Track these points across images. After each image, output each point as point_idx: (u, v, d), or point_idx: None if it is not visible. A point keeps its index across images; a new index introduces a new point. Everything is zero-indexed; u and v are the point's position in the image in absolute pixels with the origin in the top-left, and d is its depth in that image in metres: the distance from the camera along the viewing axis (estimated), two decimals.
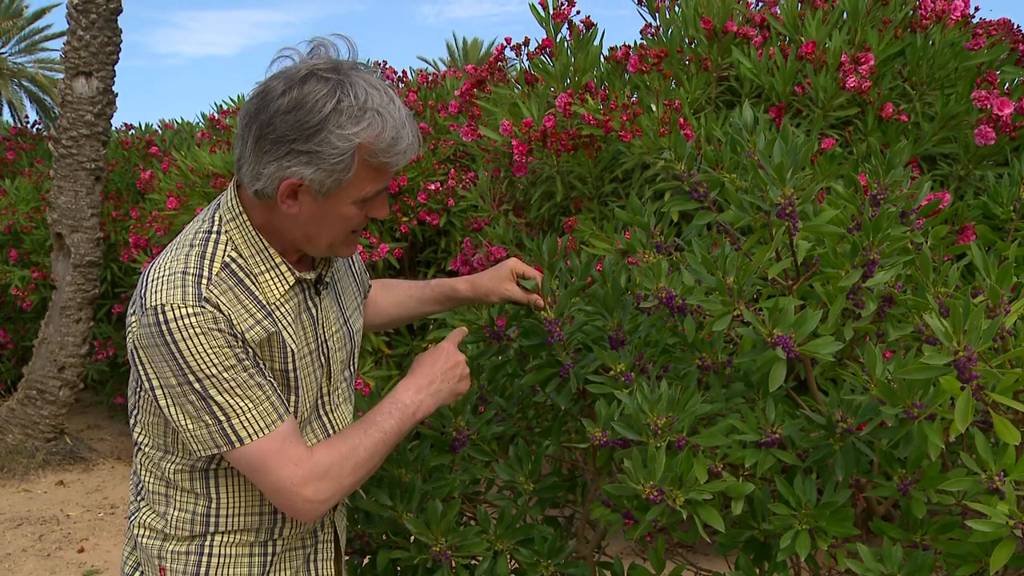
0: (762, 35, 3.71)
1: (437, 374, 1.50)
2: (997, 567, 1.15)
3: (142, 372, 1.35)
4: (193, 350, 1.28)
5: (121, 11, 5.58)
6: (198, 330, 1.28)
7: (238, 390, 1.31)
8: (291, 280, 1.40)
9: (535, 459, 1.65)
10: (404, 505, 1.60)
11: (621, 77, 3.85)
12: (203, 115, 7.38)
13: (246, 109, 1.33)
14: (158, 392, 1.33)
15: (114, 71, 5.64)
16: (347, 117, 1.27)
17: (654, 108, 3.35)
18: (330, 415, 1.51)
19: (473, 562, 1.60)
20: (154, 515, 1.47)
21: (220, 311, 1.30)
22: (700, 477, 1.30)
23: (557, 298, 1.64)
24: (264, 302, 1.36)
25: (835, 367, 1.57)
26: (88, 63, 5.51)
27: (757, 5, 4.02)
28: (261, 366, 1.34)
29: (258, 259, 1.38)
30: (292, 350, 1.39)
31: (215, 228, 1.38)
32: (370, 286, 1.75)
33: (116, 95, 5.68)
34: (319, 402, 1.48)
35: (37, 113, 24.15)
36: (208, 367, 1.29)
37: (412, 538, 1.62)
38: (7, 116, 24.79)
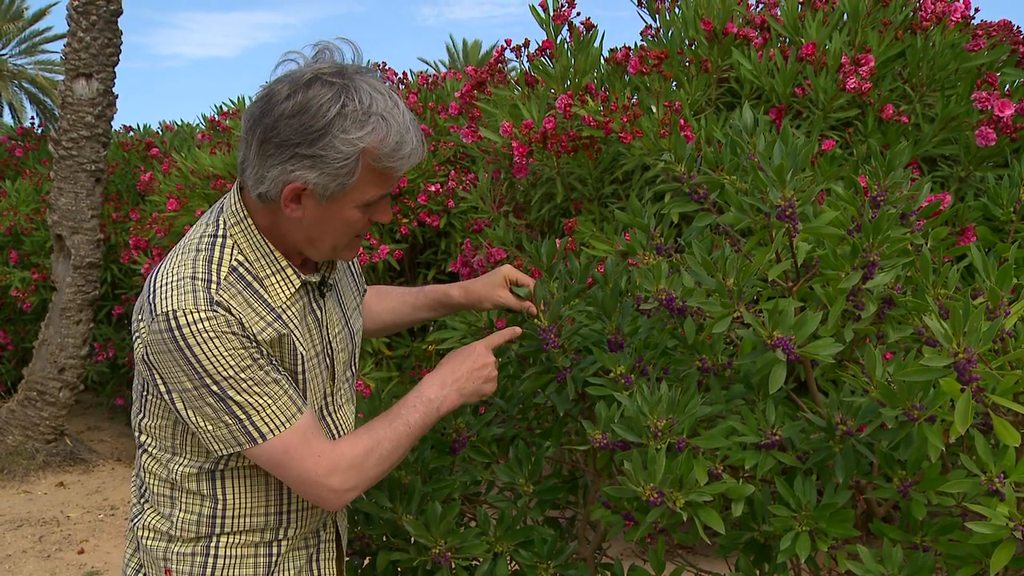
0: (762, 36, 3.71)
1: (464, 372, 1.50)
2: (997, 568, 1.16)
3: (156, 377, 1.35)
4: (209, 354, 1.29)
5: (121, 12, 5.59)
6: (212, 334, 1.28)
7: (256, 388, 1.32)
8: (297, 283, 1.41)
9: (535, 461, 1.65)
10: (404, 507, 1.60)
11: (621, 79, 3.85)
12: (203, 117, 7.39)
13: (250, 112, 1.33)
14: (174, 396, 1.34)
15: (114, 72, 5.65)
16: (351, 121, 1.27)
17: (654, 110, 3.35)
18: (334, 415, 1.51)
19: (473, 564, 1.60)
20: (159, 517, 1.47)
21: (231, 314, 1.30)
22: (700, 479, 1.30)
23: (550, 305, 1.64)
24: (272, 305, 1.37)
25: (835, 369, 1.57)
26: (88, 65, 5.51)
27: (757, 6, 4.02)
28: (275, 362, 1.35)
29: (264, 262, 1.38)
30: (301, 353, 1.40)
31: (220, 232, 1.38)
32: (365, 289, 1.75)
33: (116, 97, 5.69)
34: (324, 403, 1.49)
35: (37, 114, 24.14)
36: (225, 369, 1.29)
37: (412, 540, 1.62)
38: (8, 118, 24.83)
